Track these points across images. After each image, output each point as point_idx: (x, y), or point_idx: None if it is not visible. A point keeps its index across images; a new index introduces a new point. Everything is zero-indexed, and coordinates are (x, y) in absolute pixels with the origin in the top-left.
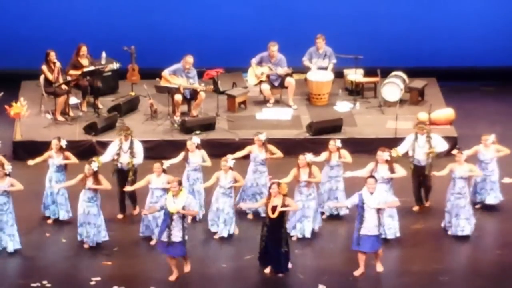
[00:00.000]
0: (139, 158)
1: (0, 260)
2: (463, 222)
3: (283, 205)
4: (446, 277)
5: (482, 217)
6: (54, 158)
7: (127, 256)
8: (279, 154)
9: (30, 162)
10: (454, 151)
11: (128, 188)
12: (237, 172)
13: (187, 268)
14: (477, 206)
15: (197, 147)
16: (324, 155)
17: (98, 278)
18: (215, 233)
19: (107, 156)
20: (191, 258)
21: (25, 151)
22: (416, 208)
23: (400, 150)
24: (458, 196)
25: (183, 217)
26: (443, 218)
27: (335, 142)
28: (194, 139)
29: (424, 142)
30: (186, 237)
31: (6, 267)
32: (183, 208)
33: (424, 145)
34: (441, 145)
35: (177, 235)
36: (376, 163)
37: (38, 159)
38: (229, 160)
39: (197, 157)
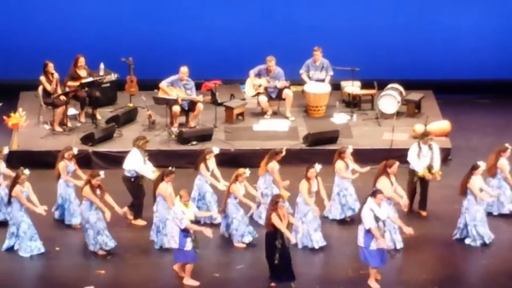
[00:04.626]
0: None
1: None
2: (482, 230)
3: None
4: None
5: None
6: (69, 166)
7: (120, 265)
8: (285, 182)
9: (76, 182)
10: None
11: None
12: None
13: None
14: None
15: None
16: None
17: (92, 287)
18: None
19: (146, 171)
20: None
21: (20, 161)
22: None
23: (411, 160)
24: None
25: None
26: (438, 227)
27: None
28: (215, 149)
29: (427, 151)
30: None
31: None
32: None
33: (427, 154)
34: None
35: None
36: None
37: (68, 177)
38: (247, 170)
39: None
